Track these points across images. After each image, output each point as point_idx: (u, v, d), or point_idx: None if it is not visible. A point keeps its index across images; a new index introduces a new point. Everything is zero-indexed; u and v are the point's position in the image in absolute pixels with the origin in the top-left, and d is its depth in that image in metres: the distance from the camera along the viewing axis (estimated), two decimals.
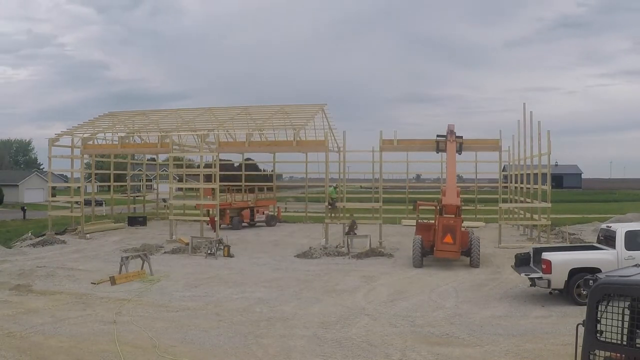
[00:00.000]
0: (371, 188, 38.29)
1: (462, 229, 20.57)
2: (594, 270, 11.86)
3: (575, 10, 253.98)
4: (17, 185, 70.05)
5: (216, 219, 27.74)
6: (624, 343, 5.83)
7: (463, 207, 21.47)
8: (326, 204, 26.41)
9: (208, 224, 31.34)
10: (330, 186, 27.05)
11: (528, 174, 28.23)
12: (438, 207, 20.78)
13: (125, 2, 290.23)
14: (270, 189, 41.74)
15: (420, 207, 23.18)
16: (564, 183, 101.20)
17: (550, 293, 14.46)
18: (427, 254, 20.37)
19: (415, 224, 22.66)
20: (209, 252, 22.50)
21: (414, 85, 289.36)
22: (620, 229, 14.19)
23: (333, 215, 27.17)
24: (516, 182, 31.52)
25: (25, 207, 45.60)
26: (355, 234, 25.42)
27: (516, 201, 31.47)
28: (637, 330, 5.73)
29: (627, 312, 5.83)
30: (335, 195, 26.71)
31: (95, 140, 32.06)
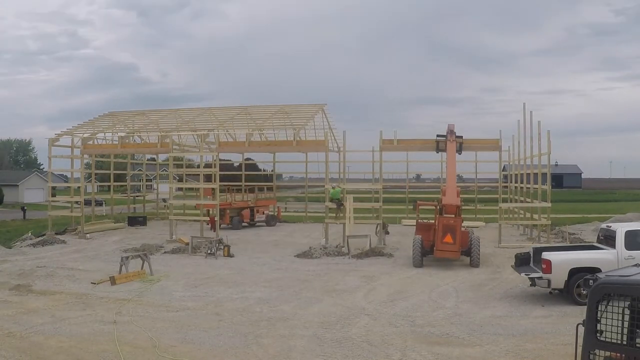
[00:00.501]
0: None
1: (462, 228, 20.56)
2: (594, 270, 11.86)
3: (607, 19, 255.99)
4: (17, 185, 70.07)
5: (216, 218, 27.75)
6: (624, 343, 5.83)
7: (463, 207, 21.47)
8: (326, 204, 26.36)
9: (208, 224, 31.33)
10: (332, 187, 26.98)
11: (528, 174, 28.23)
12: (438, 207, 20.77)
13: (169, 5, 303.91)
14: (270, 188, 41.75)
15: (420, 207, 23.18)
16: (564, 183, 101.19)
17: (550, 293, 14.45)
18: (427, 253, 20.36)
19: (415, 224, 22.66)
20: (209, 252, 22.50)
21: (429, 89, 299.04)
22: (620, 229, 14.18)
23: (341, 215, 27.22)
24: (516, 182, 31.52)
25: (25, 207, 45.62)
26: (388, 232, 26.07)
27: (516, 201, 31.47)
28: (637, 330, 5.73)
29: (627, 311, 5.83)
30: (339, 195, 26.70)
31: (95, 140, 32.06)
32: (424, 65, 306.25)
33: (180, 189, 44.87)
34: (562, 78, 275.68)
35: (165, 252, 23.74)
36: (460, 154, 24.59)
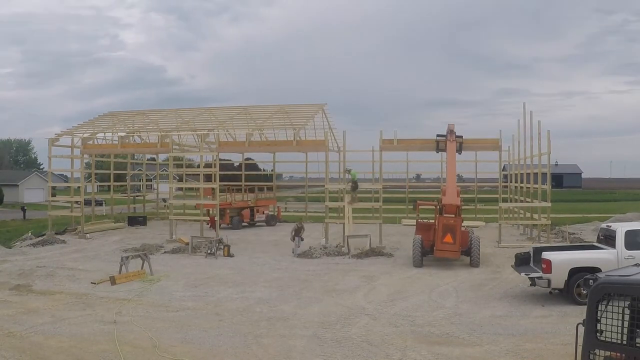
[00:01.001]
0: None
1: (462, 228, 20.56)
2: (594, 270, 11.86)
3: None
4: (17, 185, 70.05)
5: (216, 218, 27.75)
6: (624, 342, 5.83)
7: (463, 207, 21.47)
8: (326, 204, 26.28)
9: (208, 224, 31.35)
10: (349, 170, 27.08)
11: (528, 174, 28.22)
12: (438, 207, 20.77)
13: (211, 8, 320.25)
14: (270, 188, 41.75)
15: (420, 207, 23.18)
16: (564, 182, 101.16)
17: (550, 293, 14.45)
18: (427, 253, 20.37)
19: (415, 224, 22.66)
20: (209, 251, 22.50)
21: (446, 92, 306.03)
22: (620, 229, 14.19)
23: (356, 196, 27.31)
24: (516, 182, 31.52)
25: (25, 207, 45.60)
26: (302, 239, 23.54)
27: (516, 201, 31.46)
28: (637, 330, 5.73)
29: (627, 311, 5.83)
30: (355, 177, 26.85)
31: (95, 140, 32.05)
32: (445, 71, 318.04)
33: (180, 188, 44.89)
34: (577, 82, 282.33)
35: (165, 252, 23.74)
36: (460, 153, 24.57)
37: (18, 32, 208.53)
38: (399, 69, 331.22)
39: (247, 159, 44.78)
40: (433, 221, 21.28)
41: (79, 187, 33.30)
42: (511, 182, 33.17)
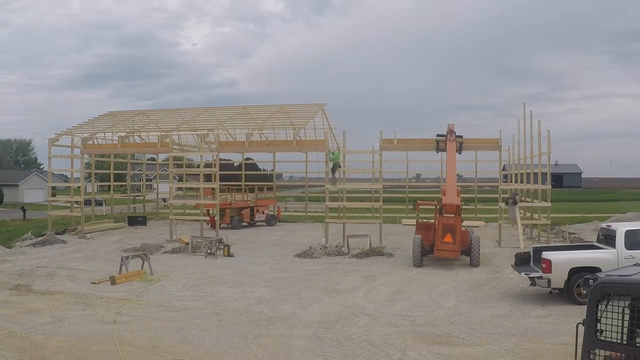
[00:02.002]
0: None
1: (462, 228, 20.56)
2: (594, 270, 11.85)
3: None
4: (17, 185, 70.09)
5: (216, 218, 27.75)
6: (624, 342, 5.83)
7: (463, 207, 21.47)
8: (326, 204, 26.28)
9: (208, 224, 31.34)
10: (332, 152, 26.56)
11: (528, 174, 28.22)
12: (438, 207, 20.77)
13: (286, 16, 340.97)
14: (270, 188, 41.76)
15: (420, 207, 23.18)
16: (564, 182, 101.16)
17: (550, 292, 14.46)
18: (427, 253, 20.37)
19: (415, 224, 22.66)
20: (209, 251, 22.50)
21: (463, 97, 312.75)
22: (620, 228, 14.18)
23: (337, 183, 27.10)
24: (516, 182, 31.50)
25: (25, 207, 45.62)
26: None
27: None
28: (637, 330, 5.73)
29: (627, 311, 5.83)
30: (337, 159, 26.42)
31: (95, 140, 32.04)
32: (475, 78, 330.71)
33: (180, 188, 44.89)
34: (599, 86, 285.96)
35: (165, 252, 23.73)
36: (460, 153, 24.56)
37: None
38: (442, 82, 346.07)
39: (247, 159, 44.78)
40: (433, 221, 21.29)
41: (79, 187, 33.32)
42: (511, 182, 33.16)
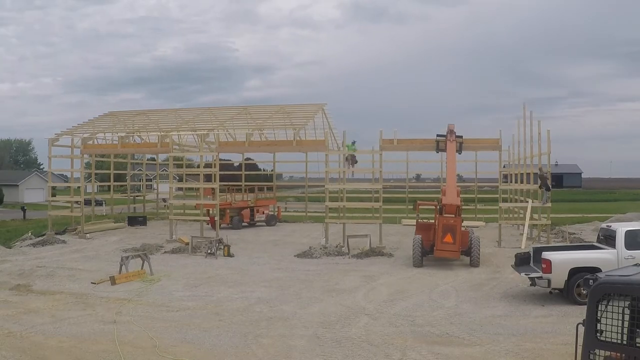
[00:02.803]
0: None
1: (462, 228, 20.56)
2: (594, 270, 11.84)
3: None
4: (17, 185, 70.09)
5: (216, 218, 27.75)
6: (624, 342, 5.83)
7: (463, 207, 21.46)
8: (326, 204, 26.25)
9: (208, 224, 31.33)
10: (353, 141, 26.79)
11: (528, 174, 28.22)
12: (438, 207, 20.77)
13: (339, 22, 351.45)
14: (270, 188, 41.76)
15: (420, 207, 23.17)
16: (564, 182, 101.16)
17: (550, 292, 14.46)
18: (427, 253, 20.36)
19: (415, 224, 22.66)
20: (209, 251, 22.50)
21: (477, 99, 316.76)
22: (621, 229, 14.18)
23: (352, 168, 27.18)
24: (516, 182, 31.50)
25: (25, 207, 45.62)
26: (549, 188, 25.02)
27: (516, 201, 31.45)
28: (637, 330, 5.73)
29: (627, 311, 5.82)
30: (354, 149, 26.67)
31: (95, 140, 32.04)
32: (493, 85, 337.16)
33: (180, 189, 44.90)
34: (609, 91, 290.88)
35: (165, 252, 23.73)
36: (460, 153, 24.56)
37: None
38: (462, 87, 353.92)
39: (247, 159, 44.79)
40: (433, 221, 21.29)
41: (79, 187, 33.31)
42: (511, 182, 33.16)
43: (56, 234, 28.75)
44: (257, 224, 35.53)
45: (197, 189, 32.85)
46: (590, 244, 16.58)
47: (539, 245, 16.65)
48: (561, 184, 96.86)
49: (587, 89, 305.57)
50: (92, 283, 16.98)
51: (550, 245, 20.85)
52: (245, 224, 34.71)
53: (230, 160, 50.24)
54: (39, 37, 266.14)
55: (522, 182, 29.50)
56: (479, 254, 19.78)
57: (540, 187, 26.29)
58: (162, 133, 29.85)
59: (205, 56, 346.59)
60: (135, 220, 35.63)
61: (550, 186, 26.21)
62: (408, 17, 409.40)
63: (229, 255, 22.38)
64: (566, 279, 13.65)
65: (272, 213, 37.49)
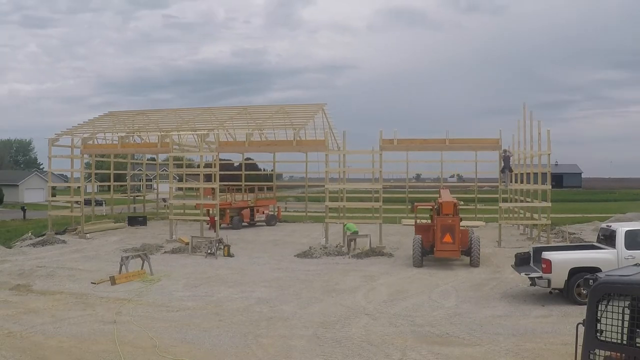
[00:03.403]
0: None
1: (462, 228, 20.55)
2: (594, 270, 11.82)
3: None
4: (17, 185, 70.07)
5: (216, 218, 27.75)
6: (624, 342, 5.83)
7: (463, 207, 21.47)
8: (326, 204, 26.22)
9: (208, 224, 31.33)
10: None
11: (528, 174, 28.23)
12: (435, 207, 20.78)
13: (378, 26, 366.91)
14: (270, 188, 41.76)
15: (418, 207, 23.15)
16: (564, 182, 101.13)
17: (550, 292, 14.46)
18: (427, 253, 20.36)
19: (414, 224, 22.65)
20: (209, 251, 22.50)
21: (494, 102, 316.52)
22: (621, 229, 14.18)
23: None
24: (516, 182, 31.51)
25: (25, 207, 45.60)
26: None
27: (516, 201, 31.46)
28: (637, 330, 5.73)
29: (627, 311, 5.82)
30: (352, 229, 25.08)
31: (95, 140, 32.05)
32: (503, 88, 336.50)
33: (180, 189, 44.87)
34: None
35: (165, 252, 23.73)
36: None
37: None
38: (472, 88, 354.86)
39: (247, 159, 44.79)
40: (430, 222, 21.31)
41: (79, 187, 33.30)
42: (511, 181, 33.16)
43: (56, 234, 28.75)
44: (257, 224, 35.53)
45: (197, 189, 32.83)
46: (590, 244, 16.59)
47: (539, 245, 16.65)
48: (561, 184, 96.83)
49: (602, 93, 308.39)
50: (92, 283, 16.98)
51: (550, 245, 20.87)
52: (245, 224, 34.71)
53: (230, 160, 50.24)
54: (82, 39, 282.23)
55: (522, 182, 29.52)
56: (479, 254, 19.78)
57: (502, 170, 26.19)
58: (162, 133, 29.86)
59: (243, 60, 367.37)
60: (135, 220, 35.64)
61: (512, 168, 26.16)
62: (444, 23, 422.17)
63: (229, 255, 22.38)
64: (566, 279, 13.65)
65: (272, 213, 37.49)
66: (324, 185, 27.16)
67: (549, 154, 25.23)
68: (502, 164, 25.89)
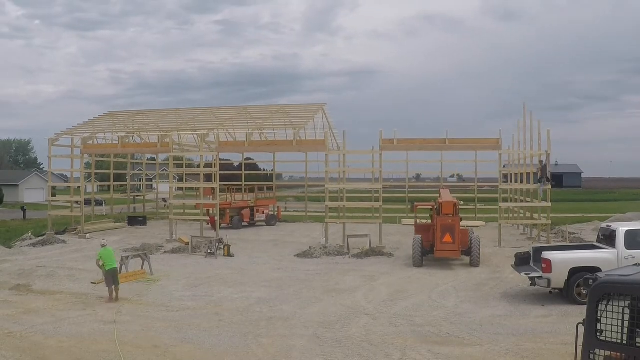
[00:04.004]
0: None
1: (462, 228, 20.54)
2: (594, 270, 11.82)
3: None
4: (17, 185, 70.05)
5: (216, 218, 27.75)
6: (624, 342, 5.83)
7: (462, 207, 21.46)
8: (326, 204, 26.22)
9: (208, 224, 31.33)
10: None
11: (528, 173, 28.22)
12: (435, 207, 20.77)
13: (411, 31, 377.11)
14: (270, 188, 41.75)
15: (418, 207, 23.15)
16: (564, 182, 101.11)
17: (550, 292, 14.46)
18: (427, 253, 20.36)
19: (414, 224, 22.65)
20: (209, 251, 22.50)
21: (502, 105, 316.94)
22: (621, 229, 14.18)
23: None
24: (516, 182, 31.49)
25: (25, 207, 45.60)
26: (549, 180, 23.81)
27: (516, 200, 31.46)
28: (637, 330, 5.73)
29: (627, 311, 5.82)
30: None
31: (95, 140, 32.04)
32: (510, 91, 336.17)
33: (180, 188, 44.88)
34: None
35: (165, 252, 23.73)
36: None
37: None
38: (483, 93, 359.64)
39: (247, 159, 44.79)
40: (430, 222, 21.30)
41: (79, 187, 33.31)
42: (511, 181, 33.16)
43: (56, 234, 28.75)
44: (257, 223, 35.52)
45: (197, 189, 32.85)
46: (590, 243, 16.58)
47: (539, 245, 16.65)
48: (561, 184, 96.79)
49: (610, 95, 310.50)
50: (92, 283, 16.98)
51: (550, 245, 20.86)
52: (245, 223, 34.70)
53: (230, 160, 50.26)
54: (125, 43, 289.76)
55: (522, 182, 29.52)
56: (479, 254, 19.78)
57: (539, 180, 25.90)
58: (162, 133, 29.86)
59: (278, 63, 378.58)
60: (135, 220, 35.63)
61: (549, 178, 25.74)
62: (480, 30, 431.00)
63: (229, 255, 22.38)
64: (566, 278, 13.65)
65: (272, 213, 37.48)
66: (324, 185, 27.17)
67: (548, 154, 25.22)
68: (540, 174, 25.38)
